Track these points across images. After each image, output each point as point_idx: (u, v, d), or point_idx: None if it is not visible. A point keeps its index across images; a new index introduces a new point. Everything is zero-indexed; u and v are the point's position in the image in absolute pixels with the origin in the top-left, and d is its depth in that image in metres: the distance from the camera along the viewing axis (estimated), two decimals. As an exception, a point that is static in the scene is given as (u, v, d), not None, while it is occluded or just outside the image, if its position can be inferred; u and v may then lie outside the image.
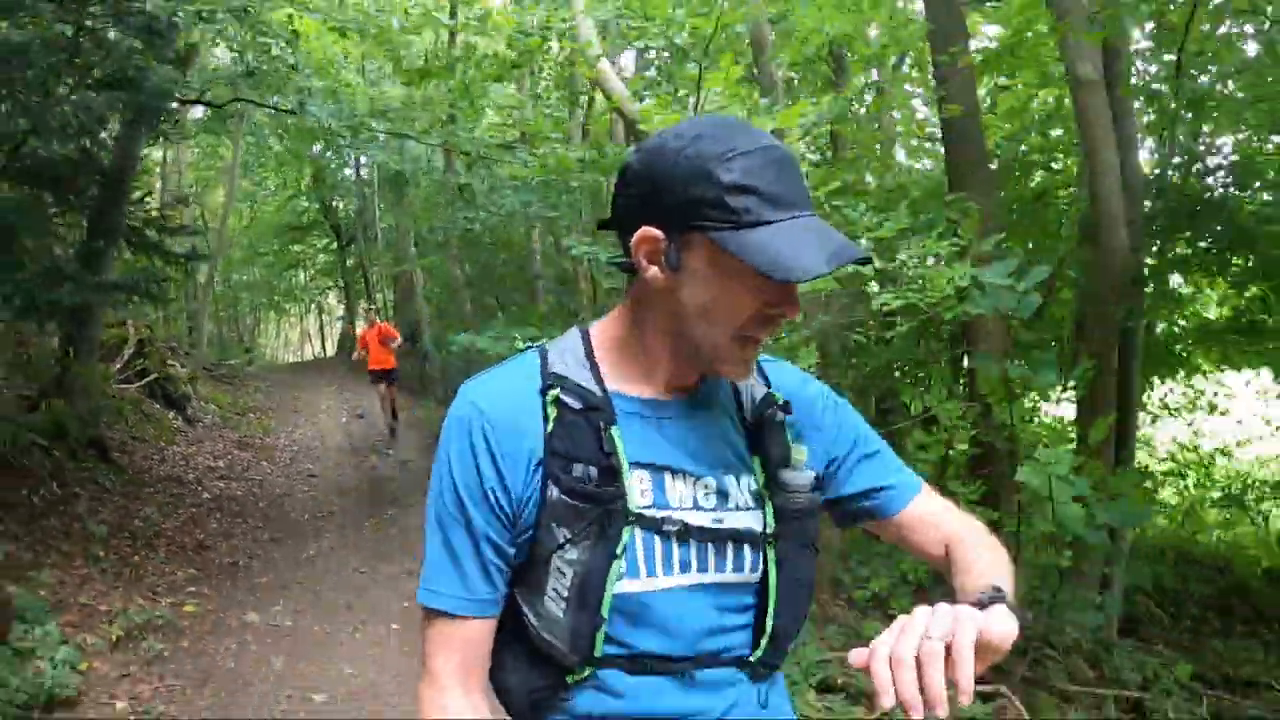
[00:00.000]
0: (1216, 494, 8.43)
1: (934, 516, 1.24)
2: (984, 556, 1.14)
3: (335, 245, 22.84)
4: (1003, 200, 6.60)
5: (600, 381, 1.11)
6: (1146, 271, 4.97)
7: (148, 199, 6.95)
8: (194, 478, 8.66)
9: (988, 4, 7.02)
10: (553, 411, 1.07)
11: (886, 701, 0.85)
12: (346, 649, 4.84)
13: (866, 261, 1.01)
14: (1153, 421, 8.87)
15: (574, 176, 6.37)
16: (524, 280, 10.35)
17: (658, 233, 1.03)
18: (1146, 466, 8.49)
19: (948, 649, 0.85)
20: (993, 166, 6.32)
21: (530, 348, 1.17)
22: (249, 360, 20.26)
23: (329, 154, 13.53)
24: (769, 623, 1.14)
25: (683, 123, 1.07)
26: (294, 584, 5.86)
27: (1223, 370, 7.86)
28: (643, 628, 1.09)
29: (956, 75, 5.53)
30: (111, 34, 4.81)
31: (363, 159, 14.37)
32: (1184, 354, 7.03)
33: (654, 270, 1.05)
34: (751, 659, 1.15)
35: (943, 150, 6.02)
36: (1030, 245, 6.66)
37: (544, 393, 1.09)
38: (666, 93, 7.03)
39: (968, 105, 5.60)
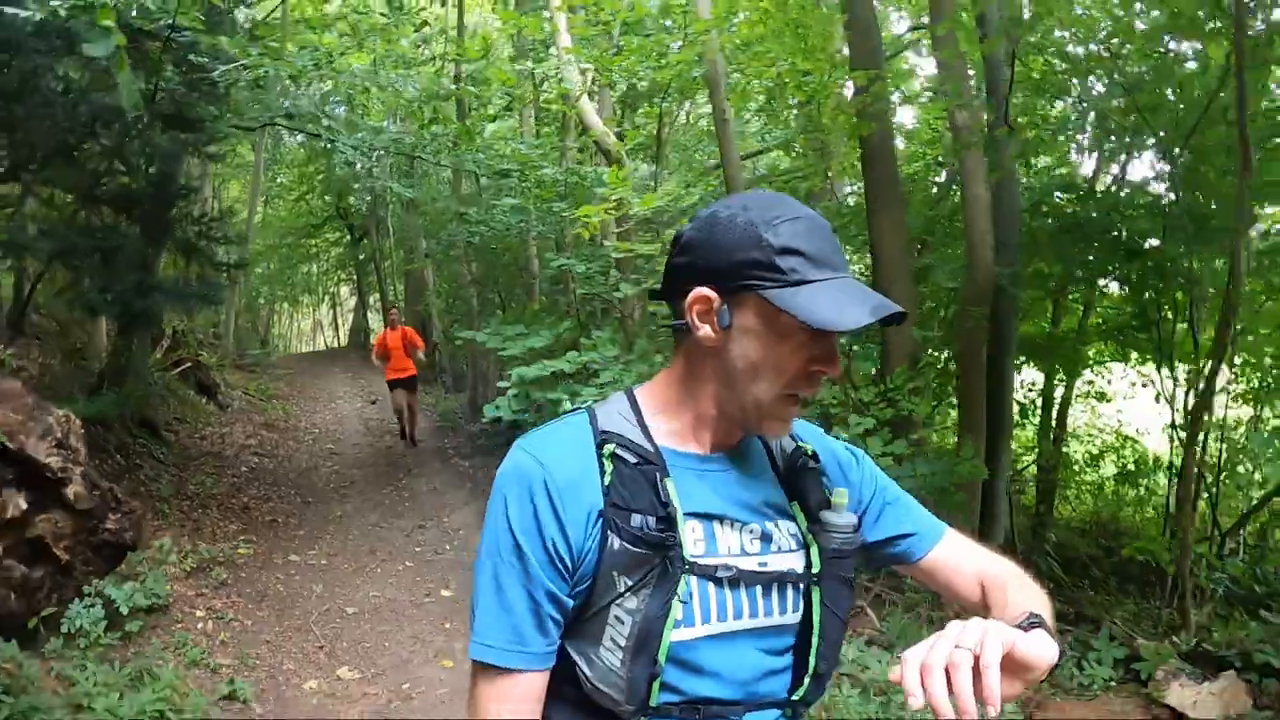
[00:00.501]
0: (1114, 473, 9.53)
1: (963, 560, 1.28)
2: (1021, 593, 1.16)
3: (348, 239, 23.59)
4: (926, 218, 7.73)
5: (650, 438, 1.15)
6: (1008, 284, 6.01)
7: (198, 210, 8.10)
8: (232, 454, 9.90)
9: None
10: (609, 465, 1.10)
11: (915, 703, 0.89)
12: (370, 579, 6.06)
13: (903, 316, 1.07)
14: (1087, 409, 9.96)
15: (555, 199, 7.51)
16: (523, 280, 11.44)
17: (711, 293, 1.09)
18: (1068, 450, 9.57)
19: (977, 661, 0.88)
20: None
21: (577, 409, 1.22)
22: (267, 353, 21.29)
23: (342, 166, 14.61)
24: (812, 661, 1.17)
25: (731, 196, 1.17)
26: (325, 535, 7.09)
27: (1125, 364, 8.81)
28: (696, 674, 1.11)
29: (872, 106, 6.63)
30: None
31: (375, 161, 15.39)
32: (1080, 350, 8.08)
33: (706, 329, 1.11)
34: (794, 698, 1.19)
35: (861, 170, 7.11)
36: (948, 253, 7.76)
37: (599, 447, 1.12)
38: (633, 127, 8.22)
39: (883, 130, 6.69)
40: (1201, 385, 4.70)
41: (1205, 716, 3.44)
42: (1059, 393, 9.10)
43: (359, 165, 7.62)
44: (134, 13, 4.90)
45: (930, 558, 1.29)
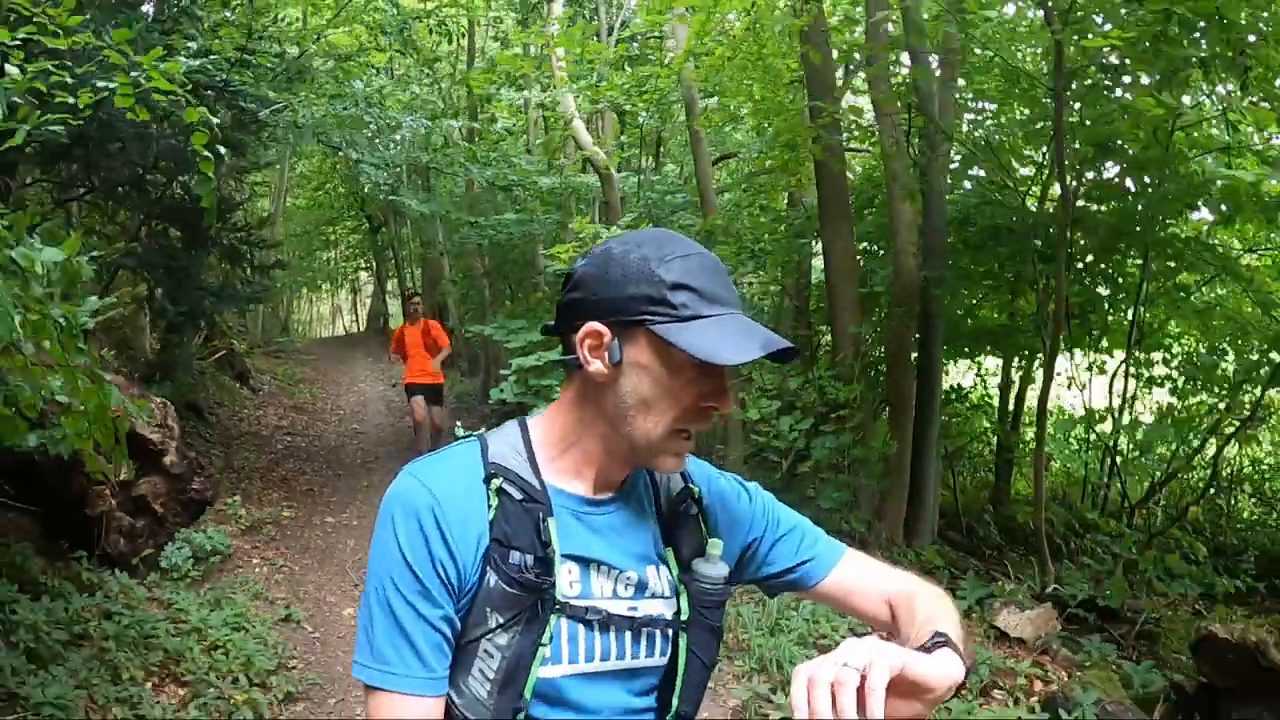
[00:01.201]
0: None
1: (866, 580, 1.30)
2: (927, 606, 1.18)
3: (366, 227, 24.16)
4: (877, 228, 8.74)
5: (538, 474, 1.15)
6: (929, 284, 7.07)
7: (239, 218, 9.26)
8: (267, 433, 11.11)
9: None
10: (494, 499, 1.11)
11: (800, 715, 0.89)
12: (394, 536, 7.25)
13: (794, 353, 1.12)
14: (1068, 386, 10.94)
15: (548, 205, 8.66)
16: (529, 274, 12.48)
17: (602, 327, 1.10)
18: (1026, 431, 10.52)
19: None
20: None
21: (470, 436, 1.22)
22: (292, 340, 22.29)
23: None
24: (674, 703, 1.20)
25: (626, 234, 1.18)
26: (354, 501, 8.28)
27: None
28: (560, 710, 1.13)
29: (829, 128, 7.66)
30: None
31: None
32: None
33: (597, 364, 1.11)
34: None
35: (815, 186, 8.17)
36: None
37: (487, 481, 1.12)
38: (629, 142, 9.39)
39: (833, 153, 7.74)
40: (1042, 375, 5.78)
41: (1021, 635, 4.57)
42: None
43: (380, 181, 8.70)
44: (198, 73, 6.00)
45: (829, 581, 1.30)
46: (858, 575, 1.31)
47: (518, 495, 1.13)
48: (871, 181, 8.79)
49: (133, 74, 3.72)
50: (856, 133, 7.78)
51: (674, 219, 10.06)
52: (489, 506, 1.11)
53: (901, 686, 0.91)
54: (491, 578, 1.08)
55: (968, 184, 7.35)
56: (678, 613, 1.20)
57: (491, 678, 1.10)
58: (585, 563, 1.15)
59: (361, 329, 29.70)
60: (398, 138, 7.97)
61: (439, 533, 1.08)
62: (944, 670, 0.96)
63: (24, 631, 3.85)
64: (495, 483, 1.12)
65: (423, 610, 1.08)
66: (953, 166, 7.27)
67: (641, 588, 1.19)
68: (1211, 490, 7.41)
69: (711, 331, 1.08)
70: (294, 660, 4.79)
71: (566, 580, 1.13)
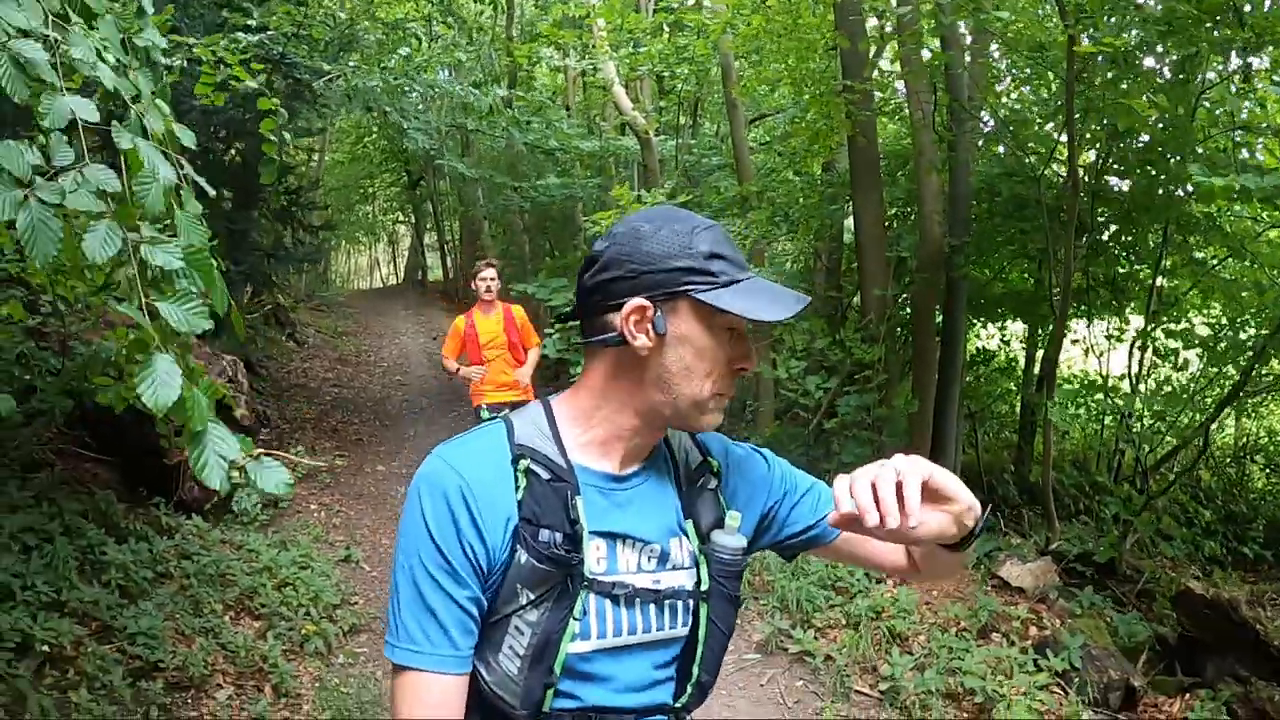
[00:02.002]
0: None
1: None
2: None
3: (405, 180, 24.24)
4: (906, 194, 8.95)
5: (564, 453, 1.19)
6: (954, 252, 7.31)
7: (290, 181, 9.66)
8: (316, 385, 11.60)
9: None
10: (523, 480, 1.15)
11: (844, 507, 0.98)
12: (440, 485, 7.71)
13: (808, 306, 1.19)
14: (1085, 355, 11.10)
15: (588, 168, 8.95)
16: (569, 231, 12.72)
17: (646, 302, 1.14)
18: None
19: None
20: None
21: (495, 419, 1.24)
22: (334, 294, 22.61)
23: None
24: (695, 671, 1.25)
25: (636, 214, 1.22)
26: (402, 450, 8.77)
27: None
28: (589, 683, 1.18)
29: (861, 99, 7.86)
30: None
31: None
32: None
33: (642, 338, 1.14)
34: (677, 706, 1.26)
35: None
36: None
37: (514, 462, 1.16)
38: (657, 109, 9.64)
39: (866, 125, 7.95)
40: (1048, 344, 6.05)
41: (1021, 585, 4.92)
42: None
43: (426, 147, 9.02)
44: (257, 47, 6.33)
45: (846, 534, 1.34)
46: None
47: (545, 475, 1.16)
48: (899, 150, 8.97)
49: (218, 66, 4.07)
50: (889, 106, 7.95)
51: (710, 180, 10.32)
52: (517, 487, 1.14)
53: (928, 493, 1.01)
54: (522, 555, 1.12)
55: (998, 150, 7.57)
56: (698, 583, 1.24)
57: (522, 654, 1.13)
58: (612, 538, 1.19)
59: (399, 281, 30.20)
60: (441, 104, 8.28)
61: (468, 514, 1.11)
62: (965, 489, 1.06)
63: (114, 571, 4.27)
64: (523, 464, 1.16)
65: (449, 590, 1.11)
66: (980, 142, 7.47)
67: (664, 559, 1.23)
68: (1213, 459, 7.60)
69: (749, 294, 1.15)
70: (355, 596, 5.27)
71: (594, 557, 1.17)
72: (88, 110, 1.54)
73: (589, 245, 12.38)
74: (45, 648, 3.46)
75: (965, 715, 4.04)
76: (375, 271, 36.27)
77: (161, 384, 1.63)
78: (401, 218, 28.98)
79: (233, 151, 7.62)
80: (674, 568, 1.23)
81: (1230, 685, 3.66)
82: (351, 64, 7.21)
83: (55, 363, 4.92)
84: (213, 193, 1.85)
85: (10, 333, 3.91)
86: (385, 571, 5.80)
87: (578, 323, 1.24)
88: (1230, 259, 7.25)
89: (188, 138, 1.90)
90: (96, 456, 5.54)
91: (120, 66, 1.62)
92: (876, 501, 0.97)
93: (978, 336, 10.02)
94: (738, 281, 1.15)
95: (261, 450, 1.76)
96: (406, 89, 7.88)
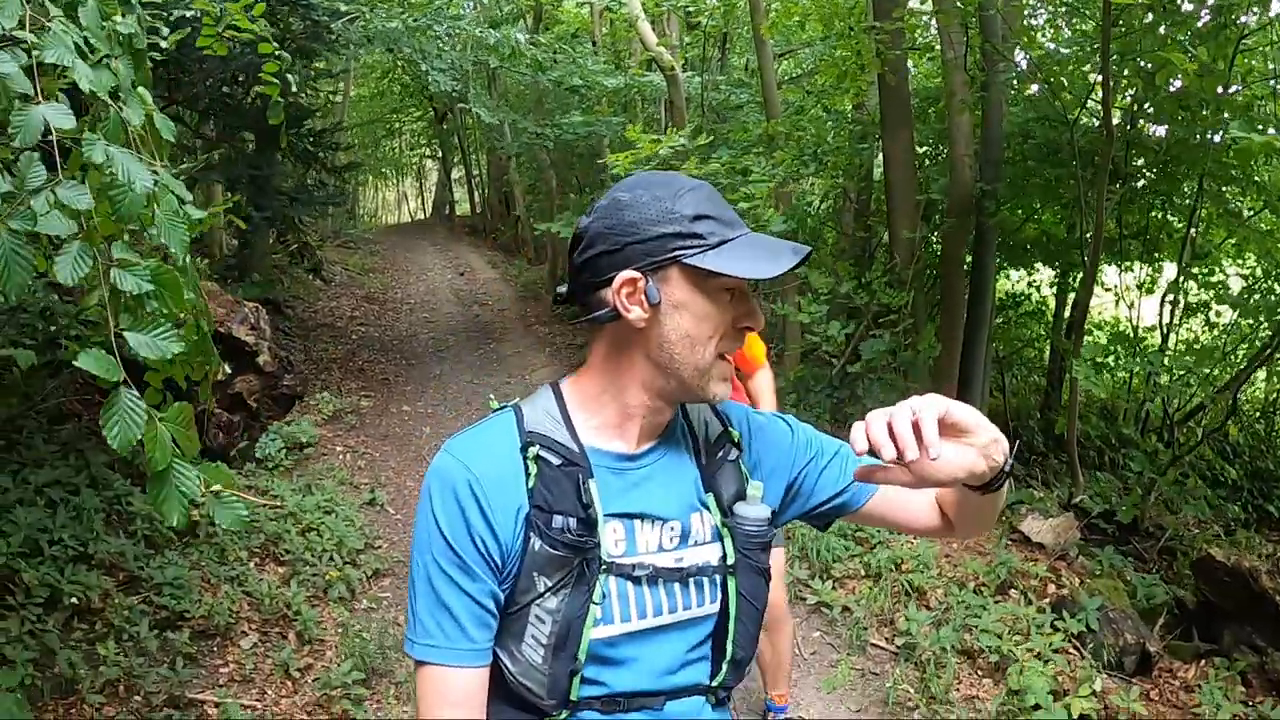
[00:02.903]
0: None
1: (909, 491, 1.25)
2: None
3: (430, 115, 24.05)
4: (937, 135, 8.72)
5: (576, 437, 1.17)
6: (984, 195, 7.13)
7: (312, 123, 9.57)
8: (342, 325, 11.67)
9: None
10: (533, 468, 1.13)
11: (859, 446, 0.98)
12: (467, 420, 7.62)
13: (810, 255, 1.13)
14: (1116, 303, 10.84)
15: (614, 105, 8.79)
16: (595, 168, 12.57)
17: (635, 274, 1.11)
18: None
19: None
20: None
21: (504, 407, 1.23)
22: (361, 231, 22.55)
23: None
24: (729, 648, 1.22)
25: (619, 183, 1.19)
26: (428, 390, 8.82)
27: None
28: (617, 668, 1.16)
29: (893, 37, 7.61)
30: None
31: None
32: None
33: (637, 310, 1.11)
34: (714, 684, 1.24)
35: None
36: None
37: (524, 450, 1.15)
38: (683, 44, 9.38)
39: (898, 65, 7.72)
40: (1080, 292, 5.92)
41: (1042, 540, 4.89)
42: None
43: (450, 89, 8.89)
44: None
45: (877, 498, 1.31)
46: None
47: (556, 461, 1.15)
48: (931, 90, 8.72)
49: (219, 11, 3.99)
50: (921, 44, 7.71)
51: (737, 116, 10.11)
52: (527, 475, 1.14)
53: (949, 428, 1.02)
54: (536, 542, 1.11)
55: (1030, 91, 7.33)
56: (723, 557, 1.22)
57: (545, 642, 1.12)
58: (630, 518, 1.18)
59: (427, 216, 30.12)
60: (465, 40, 8.12)
61: (477, 508, 1.11)
62: (987, 421, 1.05)
63: (140, 521, 4.33)
64: (532, 451, 1.15)
65: (463, 585, 1.11)
66: (1014, 83, 7.23)
67: (685, 536, 1.21)
68: (1242, 414, 7.45)
69: (742, 252, 1.11)
70: (379, 540, 5.35)
71: (612, 539, 1.16)
72: (62, 118, 1.51)
73: (614, 183, 12.17)
74: (73, 600, 3.55)
75: (980, 673, 4.07)
76: (403, 206, 36.20)
77: (124, 424, 1.65)
78: (428, 152, 28.75)
79: (252, 95, 7.54)
80: (697, 544, 1.22)
81: (1246, 655, 3.65)
82: (370, 5, 7.06)
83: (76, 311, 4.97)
84: (189, 197, 1.82)
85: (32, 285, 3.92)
86: (409, 515, 5.88)
87: (573, 305, 1.22)
88: (1266, 210, 7.07)
89: (168, 130, 1.86)
90: (124, 403, 5.62)
91: (104, 58, 1.58)
92: (894, 439, 0.97)
93: (1007, 278, 9.84)
94: (728, 240, 1.12)
95: (221, 486, 1.78)
96: (428, 29, 7.73)
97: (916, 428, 0.97)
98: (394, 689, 3.88)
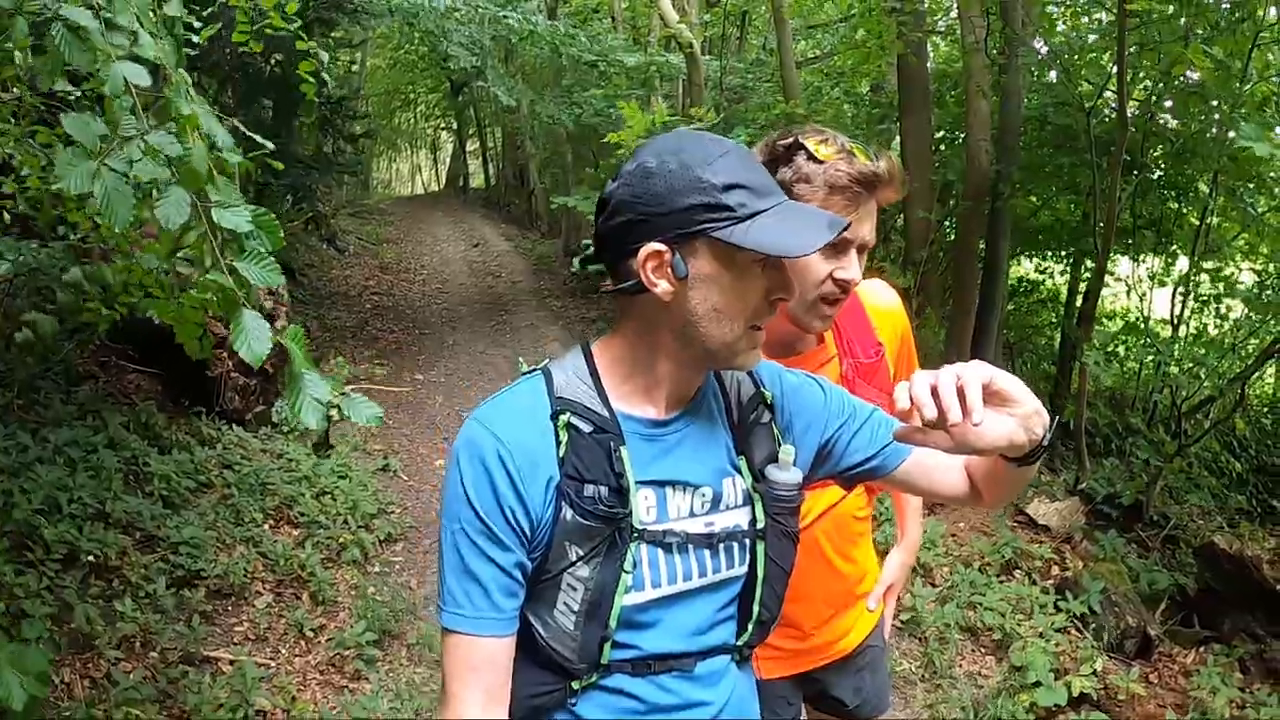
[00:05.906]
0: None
1: (941, 456, 1.25)
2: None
3: (446, 87, 23.63)
4: (955, 118, 8.67)
5: (606, 402, 1.15)
6: (1000, 180, 7.11)
7: (329, 91, 9.58)
8: (356, 294, 11.71)
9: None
10: (564, 435, 1.11)
11: (901, 406, 0.99)
12: (480, 391, 7.81)
13: (848, 227, 1.10)
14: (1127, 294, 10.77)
15: (632, 82, 8.78)
16: (612, 142, 12.55)
17: (661, 246, 1.06)
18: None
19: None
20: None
21: (533, 371, 1.21)
22: (376, 203, 22.56)
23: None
24: (755, 609, 1.23)
25: (648, 146, 1.13)
26: (441, 359, 8.87)
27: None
28: (647, 631, 1.17)
29: (912, 19, 7.57)
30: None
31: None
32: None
33: (663, 284, 1.08)
34: (739, 644, 1.25)
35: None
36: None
37: (554, 417, 1.12)
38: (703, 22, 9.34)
39: (917, 47, 7.68)
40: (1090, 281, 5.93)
41: (1047, 523, 4.93)
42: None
43: (468, 65, 8.90)
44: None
45: (909, 462, 1.29)
46: (934, 453, 1.26)
47: (587, 428, 1.13)
48: (950, 73, 8.68)
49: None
50: (941, 26, 7.68)
51: (757, 96, 10.07)
52: (558, 444, 1.11)
53: (991, 396, 1.01)
54: (567, 512, 1.10)
55: (1047, 77, 7.30)
56: (753, 521, 1.22)
57: (576, 609, 1.12)
58: (661, 485, 1.16)
59: (441, 187, 30.08)
60: (481, 21, 8.12)
61: (506, 477, 1.09)
62: (1029, 393, 1.04)
63: (158, 481, 4.39)
64: (563, 418, 1.12)
65: (491, 554, 1.10)
66: (1033, 70, 7.22)
67: (716, 501, 1.20)
68: (1250, 409, 7.43)
69: (774, 225, 1.06)
70: (393, 505, 5.41)
71: (643, 506, 1.15)
72: (139, 75, 1.56)
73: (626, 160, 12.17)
74: (91, 558, 3.60)
75: (983, 650, 4.13)
76: (417, 177, 36.17)
77: (254, 338, 1.72)
78: (443, 124, 28.66)
79: (272, 63, 7.58)
80: (727, 508, 1.21)
81: (1245, 642, 3.69)
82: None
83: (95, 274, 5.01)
84: (239, 154, 1.89)
85: (51, 249, 3.96)
86: (421, 481, 5.95)
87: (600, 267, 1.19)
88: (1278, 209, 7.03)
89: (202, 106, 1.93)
90: (140, 368, 5.63)
91: (155, 35, 1.63)
92: (937, 401, 0.97)
93: (1019, 264, 9.81)
94: (761, 212, 1.07)
95: (351, 387, 1.85)
96: (452, 11, 7.73)
97: (961, 392, 0.97)
98: (405, 650, 3.95)
